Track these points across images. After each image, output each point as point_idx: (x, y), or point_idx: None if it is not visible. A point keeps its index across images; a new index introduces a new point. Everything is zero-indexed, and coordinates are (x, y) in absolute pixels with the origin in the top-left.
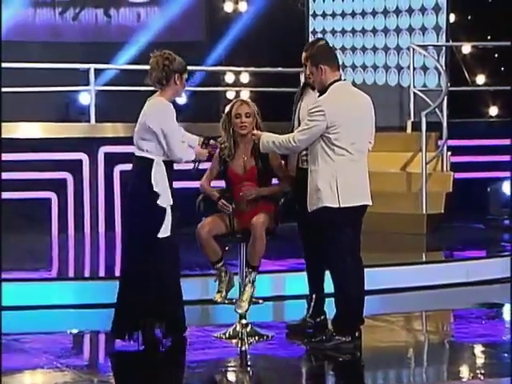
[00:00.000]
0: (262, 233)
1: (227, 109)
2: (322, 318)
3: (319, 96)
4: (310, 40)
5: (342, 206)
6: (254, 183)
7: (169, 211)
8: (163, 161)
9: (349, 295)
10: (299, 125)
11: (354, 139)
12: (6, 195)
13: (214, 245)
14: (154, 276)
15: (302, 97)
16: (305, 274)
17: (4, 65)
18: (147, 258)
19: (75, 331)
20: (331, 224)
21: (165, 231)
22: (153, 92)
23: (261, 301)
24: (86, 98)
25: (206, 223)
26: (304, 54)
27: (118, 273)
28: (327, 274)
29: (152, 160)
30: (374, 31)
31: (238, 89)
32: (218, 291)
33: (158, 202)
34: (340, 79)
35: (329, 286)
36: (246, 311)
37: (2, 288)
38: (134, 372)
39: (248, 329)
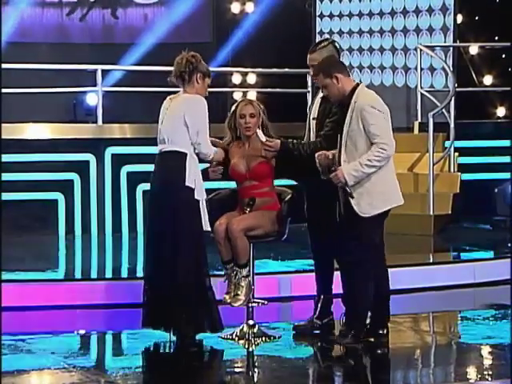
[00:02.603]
0: (239, 234)
1: (233, 108)
2: (329, 318)
3: (338, 105)
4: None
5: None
6: (259, 182)
7: (204, 204)
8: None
9: (364, 295)
10: (316, 126)
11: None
12: (13, 196)
13: (229, 244)
14: (188, 276)
15: (314, 100)
16: (311, 274)
17: (12, 66)
18: (184, 256)
19: (82, 332)
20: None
21: (206, 225)
22: (162, 93)
23: (266, 302)
24: (93, 98)
25: (224, 221)
26: (309, 56)
27: (124, 273)
28: (336, 274)
29: (185, 154)
30: (381, 32)
31: (244, 89)
32: (228, 292)
33: (195, 196)
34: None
35: (336, 286)
36: (242, 305)
37: (1, 288)
38: (140, 373)
39: (255, 330)
